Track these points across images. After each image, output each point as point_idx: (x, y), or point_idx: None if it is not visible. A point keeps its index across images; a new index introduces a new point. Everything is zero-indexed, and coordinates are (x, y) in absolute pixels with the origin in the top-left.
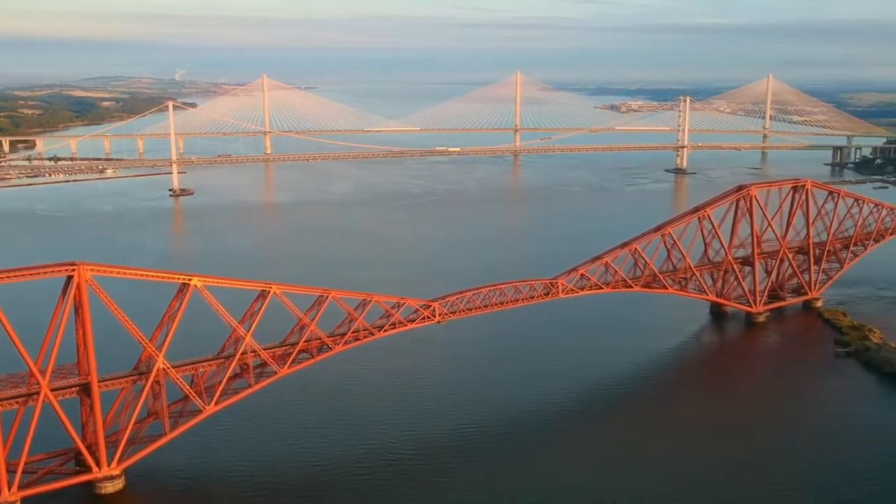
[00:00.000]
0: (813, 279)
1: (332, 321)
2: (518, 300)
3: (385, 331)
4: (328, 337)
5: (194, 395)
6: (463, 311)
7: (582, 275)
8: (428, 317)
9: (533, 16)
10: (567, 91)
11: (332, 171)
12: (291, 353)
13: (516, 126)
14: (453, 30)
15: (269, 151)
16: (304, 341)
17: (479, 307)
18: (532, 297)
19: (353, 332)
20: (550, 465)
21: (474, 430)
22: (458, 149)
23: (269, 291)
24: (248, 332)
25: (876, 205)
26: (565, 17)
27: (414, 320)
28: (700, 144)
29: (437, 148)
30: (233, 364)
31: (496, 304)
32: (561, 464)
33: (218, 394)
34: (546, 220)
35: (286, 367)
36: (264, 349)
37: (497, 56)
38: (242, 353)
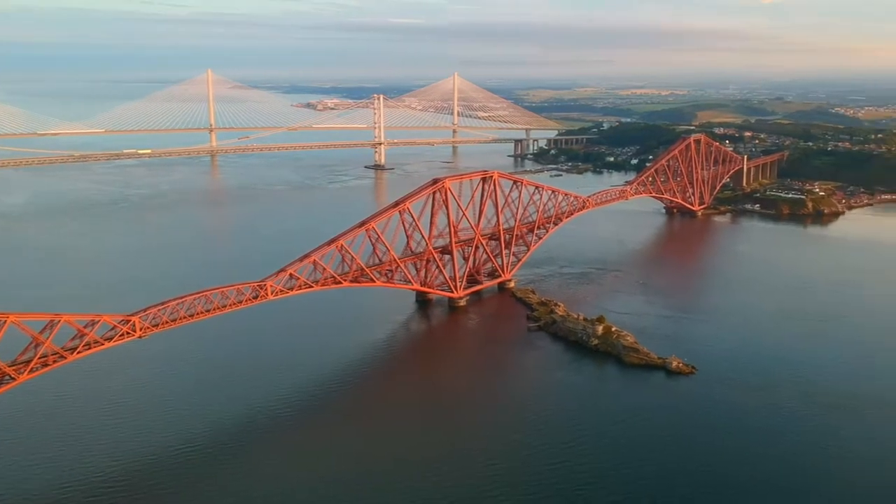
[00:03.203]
0: (505, 262)
1: (15, 348)
2: (226, 306)
3: (79, 352)
4: (9, 366)
5: None
6: (167, 322)
7: (291, 275)
8: (128, 332)
9: (226, 13)
10: (261, 89)
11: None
12: None
13: (211, 125)
14: (145, 26)
15: None
16: None
17: (185, 317)
18: (241, 302)
19: (40, 358)
20: (270, 470)
21: (189, 448)
22: (149, 150)
23: None
24: None
25: (553, 191)
26: (257, 14)
27: (112, 338)
28: (396, 141)
29: (126, 151)
30: None
31: (203, 313)
32: (282, 466)
33: None
34: (251, 221)
35: None
36: None
37: (189, 53)
38: None
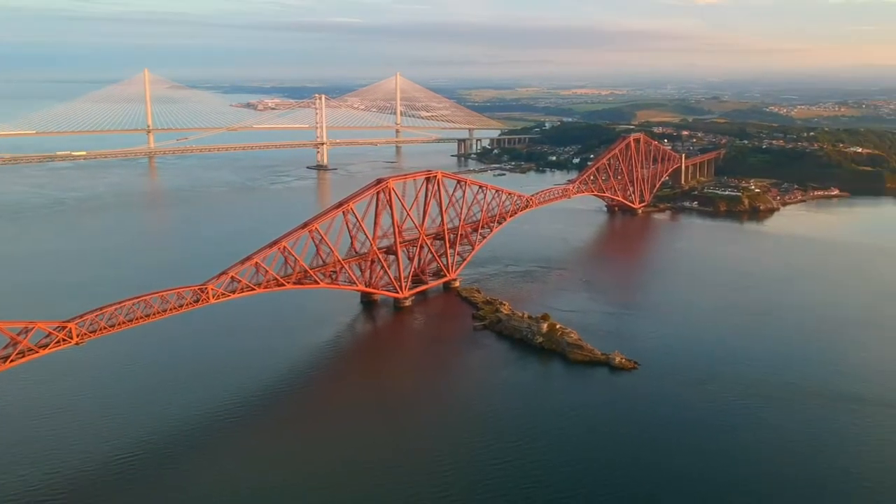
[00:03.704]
0: (450, 262)
1: None
2: (167, 310)
3: (12, 361)
4: None
5: None
6: (105, 328)
7: (233, 277)
8: (64, 339)
9: (160, 11)
10: (200, 90)
11: None
12: None
13: (149, 126)
14: (73, 24)
15: None
16: None
17: (124, 322)
18: (181, 306)
19: None
20: (215, 476)
21: (129, 456)
22: (84, 153)
23: None
24: None
25: (497, 191)
26: (194, 13)
27: (48, 345)
28: (338, 141)
29: (59, 153)
30: None
31: (142, 318)
32: (226, 472)
33: None
34: (191, 223)
35: None
36: None
37: (122, 53)
38: None
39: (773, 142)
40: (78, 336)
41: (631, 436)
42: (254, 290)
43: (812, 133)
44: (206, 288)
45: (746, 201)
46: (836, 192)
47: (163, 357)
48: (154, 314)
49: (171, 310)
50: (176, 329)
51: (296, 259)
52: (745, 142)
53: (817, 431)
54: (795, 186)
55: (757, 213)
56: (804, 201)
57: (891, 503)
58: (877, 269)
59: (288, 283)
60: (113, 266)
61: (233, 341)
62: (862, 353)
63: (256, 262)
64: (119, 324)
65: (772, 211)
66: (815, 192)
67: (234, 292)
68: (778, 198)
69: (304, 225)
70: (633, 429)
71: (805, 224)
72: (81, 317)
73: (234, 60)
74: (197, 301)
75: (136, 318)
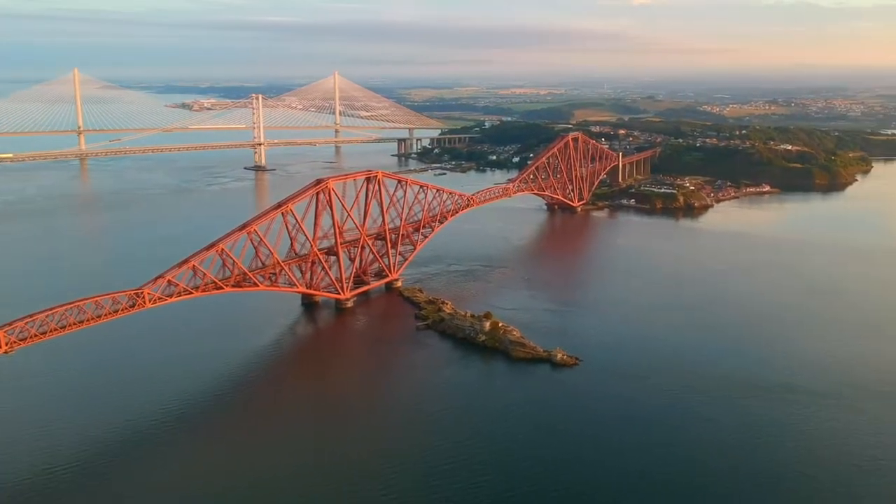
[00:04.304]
0: (392, 262)
1: None
2: (101, 316)
3: None
4: None
5: None
6: (36, 336)
7: (169, 281)
8: None
9: (90, 9)
10: (133, 90)
11: None
12: None
13: (80, 128)
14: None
15: None
16: None
17: (56, 329)
18: (117, 311)
19: None
20: (154, 484)
21: (66, 465)
22: (10, 155)
23: None
24: None
25: (438, 190)
26: (127, 11)
27: None
28: (276, 141)
29: None
30: None
31: (75, 324)
32: (166, 481)
33: None
34: (126, 227)
35: None
36: None
37: (51, 52)
38: None
39: (707, 140)
40: (7, 344)
41: (574, 433)
42: (191, 293)
43: (744, 131)
44: (141, 292)
45: (682, 199)
46: (767, 188)
47: (97, 364)
48: (88, 320)
49: (105, 315)
50: (112, 335)
51: (234, 261)
52: (680, 140)
53: (753, 422)
54: (728, 183)
55: (692, 210)
56: (737, 198)
57: (824, 489)
58: (806, 264)
59: (226, 285)
60: (45, 272)
61: (171, 347)
62: (793, 346)
63: (194, 266)
64: (51, 331)
65: (706, 208)
66: (748, 189)
67: (171, 296)
68: (712, 195)
69: (243, 227)
70: (576, 426)
71: (738, 220)
72: (10, 324)
73: (168, 60)
74: (133, 306)
75: (70, 325)
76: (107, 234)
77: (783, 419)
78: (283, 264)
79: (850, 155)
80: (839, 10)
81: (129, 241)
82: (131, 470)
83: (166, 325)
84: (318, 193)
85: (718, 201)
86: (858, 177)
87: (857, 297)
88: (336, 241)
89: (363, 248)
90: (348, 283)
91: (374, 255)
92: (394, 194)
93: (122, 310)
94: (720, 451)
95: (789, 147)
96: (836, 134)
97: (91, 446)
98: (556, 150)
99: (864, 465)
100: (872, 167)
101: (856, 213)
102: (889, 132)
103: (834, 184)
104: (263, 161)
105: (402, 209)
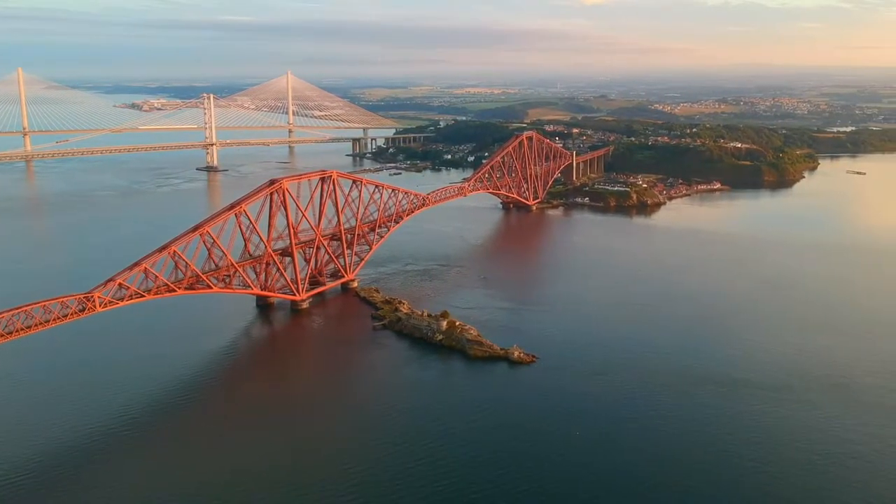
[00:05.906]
0: (348, 262)
1: None
2: (49, 321)
3: None
4: None
5: None
6: None
7: (120, 284)
8: None
9: (35, 6)
10: (80, 90)
11: None
12: None
13: (25, 129)
14: None
15: None
16: None
17: (2, 335)
18: (66, 316)
19: None
20: (106, 491)
21: (11, 476)
22: None
23: None
24: None
25: (393, 190)
26: (74, 9)
27: None
28: (229, 141)
29: None
30: None
31: (22, 330)
32: (118, 487)
33: None
34: (75, 229)
35: None
36: None
37: None
38: None
39: (659, 138)
40: None
41: (532, 429)
42: (143, 296)
43: (694, 129)
44: (91, 296)
45: (635, 196)
46: (718, 185)
47: (46, 370)
48: (36, 325)
49: (54, 320)
50: (62, 340)
51: (187, 263)
52: (633, 139)
53: (708, 416)
54: (680, 181)
55: (645, 208)
56: (689, 195)
57: (779, 482)
58: (756, 259)
59: (179, 288)
60: None
61: (123, 351)
62: (745, 340)
63: (145, 268)
64: None
65: (659, 205)
66: (699, 187)
67: (122, 300)
68: (664, 192)
69: (195, 228)
70: (534, 422)
71: (690, 217)
72: None
73: (117, 60)
74: (83, 310)
75: (16, 331)
76: (55, 237)
77: (735, 412)
78: (237, 266)
79: (798, 152)
80: (783, 9)
81: (78, 244)
82: (81, 477)
83: (118, 330)
84: (272, 194)
85: (671, 199)
86: (805, 174)
87: (807, 292)
88: (291, 242)
89: (318, 248)
90: (304, 284)
91: (330, 256)
92: (349, 194)
93: (72, 314)
94: (672, 444)
95: (739, 145)
96: (784, 132)
97: (36, 458)
98: (510, 149)
99: (816, 459)
100: (819, 164)
101: (804, 210)
102: (834, 130)
103: (782, 181)
104: (216, 162)
105: (358, 209)
